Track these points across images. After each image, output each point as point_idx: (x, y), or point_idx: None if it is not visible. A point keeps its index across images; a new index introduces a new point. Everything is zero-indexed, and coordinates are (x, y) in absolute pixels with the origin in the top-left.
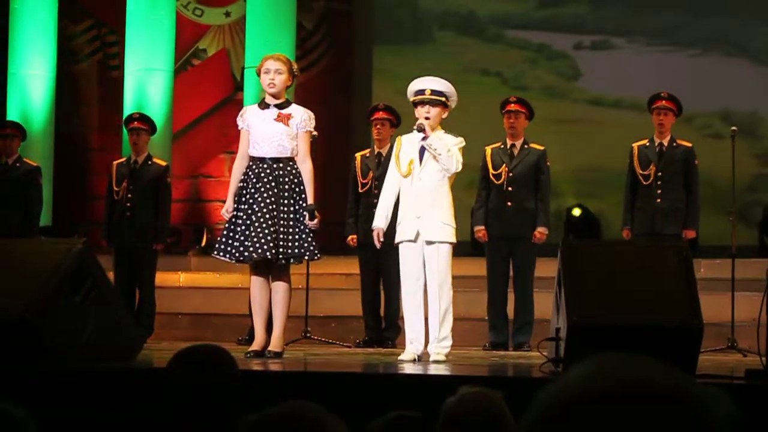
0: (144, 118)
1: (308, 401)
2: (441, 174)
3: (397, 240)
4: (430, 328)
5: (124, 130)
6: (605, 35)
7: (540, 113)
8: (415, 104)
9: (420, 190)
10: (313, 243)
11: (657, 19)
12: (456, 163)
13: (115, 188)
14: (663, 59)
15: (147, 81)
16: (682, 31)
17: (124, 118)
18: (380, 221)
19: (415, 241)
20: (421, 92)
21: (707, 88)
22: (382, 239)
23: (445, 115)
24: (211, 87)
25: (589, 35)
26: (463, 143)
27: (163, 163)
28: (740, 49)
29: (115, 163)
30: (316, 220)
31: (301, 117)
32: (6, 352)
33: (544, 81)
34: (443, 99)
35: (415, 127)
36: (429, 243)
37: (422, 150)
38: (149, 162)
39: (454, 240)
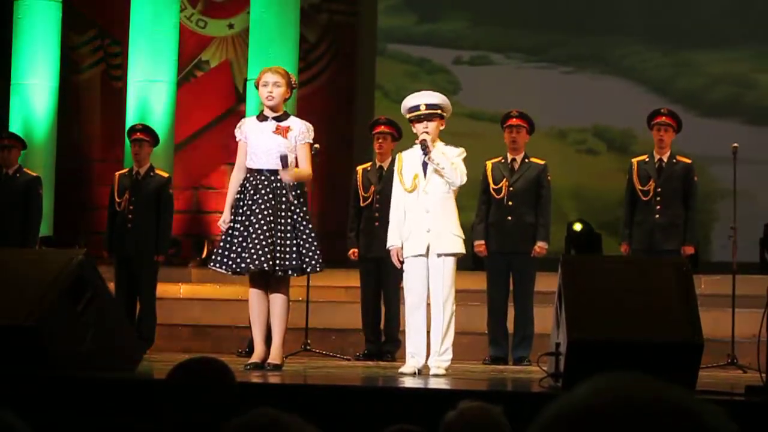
0: (146, 130)
1: (277, 410)
2: (446, 186)
3: (406, 255)
4: (432, 342)
5: (127, 141)
6: (484, 51)
7: None
8: (412, 121)
9: (427, 204)
10: (315, 254)
11: (533, 37)
12: (460, 176)
13: (117, 199)
14: (539, 75)
15: (150, 92)
16: (557, 48)
17: (126, 128)
18: (396, 240)
19: (426, 254)
20: (415, 108)
21: (581, 105)
22: (402, 258)
23: (442, 127)
24: (213, 98)
25: (468, 50)
26: (464, 154)
27: (165, 175)
28: (613, 67)
29: (117, 174)
30: (289, 169)
31: (300, 129)
32: (6, 359)
33: None
34: (438, 111)
35: (417, 143)
36: (438, 255)
37: (425, 164)
38: (151, 173)
39: (464, 250)
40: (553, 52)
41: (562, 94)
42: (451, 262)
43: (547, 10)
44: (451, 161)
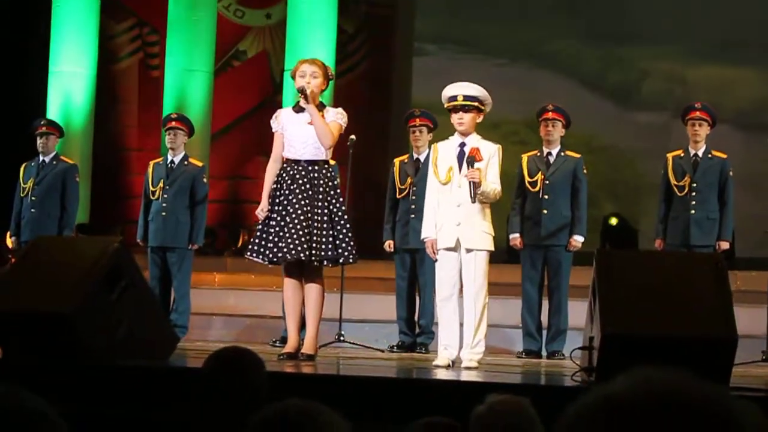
0: (181, 119)
1: (307, 400)
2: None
3: (438, 247)
4: (465, 335)
5: (163, 130)
6: (419, 42)
7: None
8: (449, 110)
9: (460, 198)
10: (350, 245)
11: (467, 29)
12: (495, 195)
13: (152, 188)
14: (472, 67)
15: (187, 81)
16: (490, 40)
17: (162, 117)
18: (431, 231)
19: (454, 248)
20: (453, 98)
21: (514, 97)
22: (438, 248)
23: (479, 120)
24: (250, 89)
25: None
26: (500, 151)
27: (200, 164)
28: (547, 61)
29: (151, 162)
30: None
31: (334, 112)
32: (42, 347)
33: None
34: (476, 104)
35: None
36: (468, 251)
37: (461, 156)
38: (185, 162)
39: (492, 248)
40: (486, 44)
41: (495, 86)
42: (483, 256)
43: (481, 3)
44: (493, 186)
